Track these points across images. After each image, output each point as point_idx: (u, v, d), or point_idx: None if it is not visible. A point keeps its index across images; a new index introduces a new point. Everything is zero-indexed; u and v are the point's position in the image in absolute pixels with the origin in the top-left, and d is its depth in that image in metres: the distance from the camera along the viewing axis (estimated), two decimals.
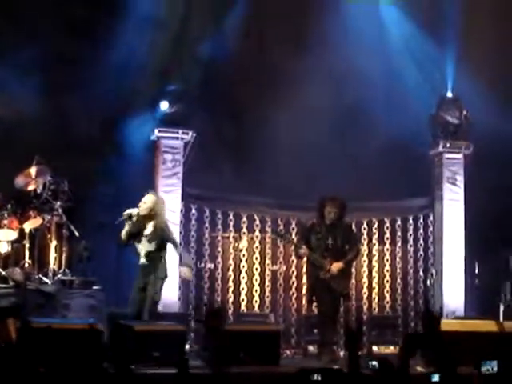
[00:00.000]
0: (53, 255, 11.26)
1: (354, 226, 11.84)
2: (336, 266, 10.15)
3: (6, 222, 11.04)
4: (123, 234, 8.68)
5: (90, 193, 12.11)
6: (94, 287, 11.03)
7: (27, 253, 11.18)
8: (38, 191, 11.45)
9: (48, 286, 10.85)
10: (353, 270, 11.21)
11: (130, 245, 9.19)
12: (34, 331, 8.39)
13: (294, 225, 12.38)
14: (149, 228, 8.88)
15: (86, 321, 9.43)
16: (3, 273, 10.81)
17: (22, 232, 11.18)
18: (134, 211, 9.08)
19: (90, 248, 11.26)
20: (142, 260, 8.66)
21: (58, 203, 11.30)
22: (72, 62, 12.55)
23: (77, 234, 11.31)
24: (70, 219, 11.40)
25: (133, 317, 9.27)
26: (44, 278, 10.98)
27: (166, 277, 9.41)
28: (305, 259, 10.71)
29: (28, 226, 11.18)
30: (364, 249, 12.43)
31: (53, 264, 11.23)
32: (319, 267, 10.18)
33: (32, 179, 11.39)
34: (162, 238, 8.92)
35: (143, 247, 8.73)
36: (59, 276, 11.11)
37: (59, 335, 8.48)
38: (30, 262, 11.15)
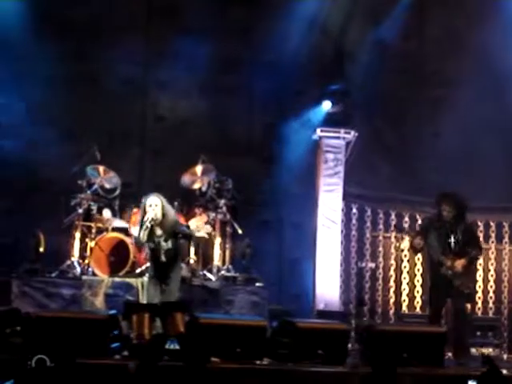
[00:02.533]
0: (217, 252, 11.48)
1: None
2: (460, 263, 9.89)
3: None
4: (145, 235, 8.54)
5: (252, 191, 12.31)
6: (257, 284, 11.19)
7: (192, 249, 11.45)
8: (204, 189, 11.70)
9: (212, 282, 11.05)
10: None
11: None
12: (201, 326, 8.60)
13: None
14: (161, 229, 8.72)
15: (251, 317, 9.62)
16: None
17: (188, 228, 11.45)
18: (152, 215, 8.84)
19: (252, 245, 11.44)
20: (162, 259, 8.59)
21: (223, 201, 11.49)
22: (234, 63, 12.82)
23: (240, 231, 11.47)
24: (234, 217, 11.59)
25: None
26: (208, 275, 11.19)
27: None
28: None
29: (194, 224, 11.45)
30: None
31: (217, 261, 11.44)
32: (440, 264, 9.92)
33: (198, 178, 11.68)
34: (175, 235, 8.78)
35: (160, 247, 8.63)
36: (223, 272, 11.30)
37: (225, 330, 8.67)
38: (195, 258, 11.41)
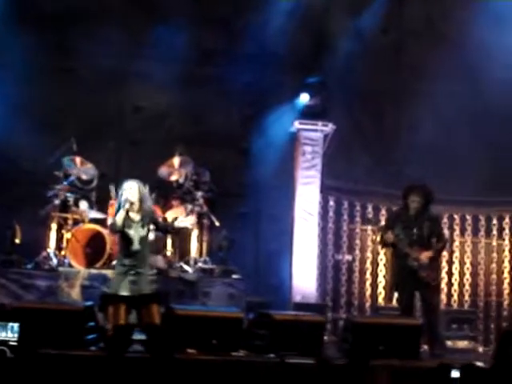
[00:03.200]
0: (194, 244, 11.46)
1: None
2: (426, 255, 9.86)
3: None
4: (120, 220, 8.52)
5: (229, 183, 12.30)
6: (234, 276, 11.18)
7: (169, 241, 11.44)
8: (181, 181, 11.68)
9: (189, 274, 11.04)
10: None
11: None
12: (177, 317, 8.58)
13: None
14: (137, 214, 8.71)
15: (228, 309, 9.61)
16: None
17: (164, 221, 11.43)
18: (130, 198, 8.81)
19: (229, 237, 11.43)
20: (136, 246, 8.56)
21: (200, 193, 11.47)
22: (210, 54, 12.80)
23: (217, 223, 11.46)
24: (211, 209, 11.57)
25: None
26: (185, 266, 11.18)
27: None
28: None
29: (171, 215, 11.43)
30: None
31: (194, 253, 11.42)
32: (405, 255, 9.88)
33: (175, 169, 11.66)
34: (151, 223, 8.77)
35: (136, 233, 8.60)
36: (200, 264, 11.28)
37: (201, 322, 8.66)
38: (171, 250, 11.41)
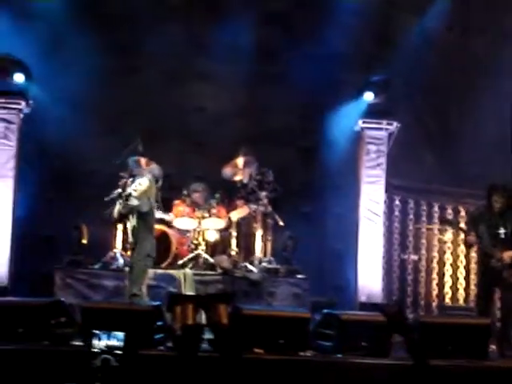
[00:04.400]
0: (258, 244, 11.46)
1: None
2: (509, 255, 9.75)
3: (214, 210, 11.39)
4: (115, 212, 8.81)
5: (293, 183, 12.28)
6: (299, 276, 11.16)
7: (234, 241, 11.45)
8: (245, 181, 11.69)
9: (254, 273, 11.03)
10: None
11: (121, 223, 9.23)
12: (244, 317, 8.58)
13: None
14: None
15: (294, 309, 9.59)
16: (211, 260, 11.13)
17: (229, 221, 11.48)
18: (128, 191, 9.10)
19: (294, 237, 11.41)
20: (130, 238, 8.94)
21: (264, 193, 11.45)
22: (274, 53, 12.78)
23: (281, 223, 11.43)
24: (275, 209, 11.55)
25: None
26: (250, 266, 11.17)
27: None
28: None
29: (235, 215, 11.46)
30: None
31: (258, 253, 11.42)
32: (489, 256, 9.80)
33: (239, 169, 11.67)
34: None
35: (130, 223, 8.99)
36: (264, 264, 11.28)
37: (268, 322, 8.64)
38: (236, 250, 11.41)
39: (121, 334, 7.26)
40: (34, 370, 7.68)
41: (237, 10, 12.45)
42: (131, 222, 8.85)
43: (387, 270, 11.91)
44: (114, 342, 7.20)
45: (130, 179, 9.43)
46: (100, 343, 7.21)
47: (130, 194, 8.99)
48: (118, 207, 8.76)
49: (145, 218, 9.23)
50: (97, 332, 7.29)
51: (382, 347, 8.78)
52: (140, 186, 9.00)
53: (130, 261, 9.37)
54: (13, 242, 11.08)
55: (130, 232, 8.84)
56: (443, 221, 11.58)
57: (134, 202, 8.92)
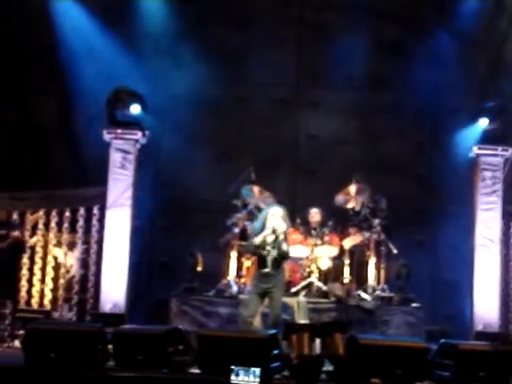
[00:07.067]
0: (372, 272, 11.39)
1: None
2: None
3: (327, 238, 11.38)
4: (260, 241, 9.07)
5: (406, 210, 12.18)
6: (413, 304, 11.03)
7: (347, 269, 11.40)
8: (357, 209, 11.64)
9: (367, 302, 10.95)
10: None
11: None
12: (361, 347, 8.51)
13: None
14: (272, 237, 9.13)
15: (411, 338, 9.48)
16: (324, 288, 11.11)
17: (341, 248, 11.45)
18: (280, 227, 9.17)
19: (408, 265, 11.30)
20: (268, 269, 9.08)
21: (377, 221, 11.41)
22: (386, 80, 12.77)
23: (395, 251, 11.34)
24: (388, 236, 11.47)
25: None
26: (363, 294, 11.10)
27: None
28: None
29: (348, 243, 11.42)
30: None
31: (372, 281, 11.35)
32: None
33: (351, 197, 11.63)
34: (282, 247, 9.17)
35: (270, 255, 9.07)
36: (378, 293, 11.20)
37: (385, 352, 8.55)
38: (349, 278, 11.36)
39: (257, 370, 7.35)
40: None
41: (348, 38, 12.47)
42: (271, 254, 9.07)
43: (504, 298, 11.63)
44: (250, 378, 7.27)
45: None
46: (238, 379, 7.31)
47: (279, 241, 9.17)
48: (267, 237, 9.06)
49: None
50: (234, 368, 7.43)
51: (501, 378, 8.58)
52: (281, 217, 9.18)
53: (269, 290, 9.33)
54: (129, 270, 11.29)
55: (270, 263, 9.06)
56: None
57: (284, 246, 9.19)
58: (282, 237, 9.16)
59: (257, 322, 10.20)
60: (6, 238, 9.66)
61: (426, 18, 12.69)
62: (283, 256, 9.27)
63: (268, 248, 9.14)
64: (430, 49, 12.29)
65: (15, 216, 10.57)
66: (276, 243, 9.13)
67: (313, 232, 11.54)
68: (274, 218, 9.14)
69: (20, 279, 11.31)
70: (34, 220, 10.02)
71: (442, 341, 9.02)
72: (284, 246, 9.12)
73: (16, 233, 9.66)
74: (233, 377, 7.38)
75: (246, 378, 7.33)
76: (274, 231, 9.09)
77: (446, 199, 12.22)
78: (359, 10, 12.65)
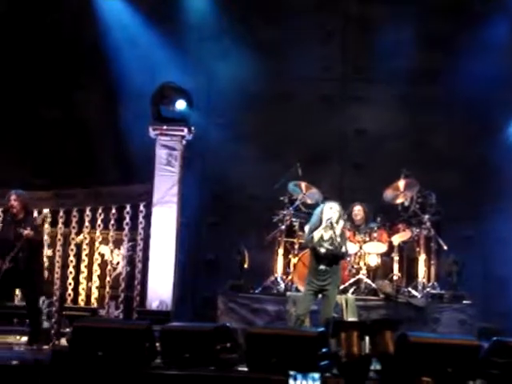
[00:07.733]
0: (421, 268, 11.17)
1: None
2: None
3: (375, 234, 11.19)
4: (318, 237, 9.13)
5: (456, 206, 11.96)
6: (464, 302, 10.82)
7: (396, 266, 11.21)
8: (406, 204, 11.42)
9: (417, 299, 10.77)
10: None
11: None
12: (411, 345, 8.34)
13: None
14: (330, 233, 9.19)
15: (463, 336, 9.28)
16: (373, 285, 10.95)
17: (390, 245, 11.27)
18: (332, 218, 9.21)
19: (459, 262, 11.08)
20: (324, 266, 9.15)
21: (427, 216, 11.19)
22: (434, 73, 12.60)
23: (445, 247, 11.12)
24: (438, 232, 11.25)
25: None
26: (413, 291, 10.92)
27: None
28: None
29: (397, 239, 11.23)
30: None
31: (422, 277, 11.15)
32: None
33: (400, 192, 11.42)
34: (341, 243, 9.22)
35: (327, 251, 9.15)
36: (428, 290, 11.00)
37: (436, 350, 8.37)
38: (398, 274, 11.17)
39: (316, 376, 7.25)
40: None
41: (394, 31, 12.29)
42: (328, 250, 9.10)
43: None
44: (309, 383, 7.18)
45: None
46: (296, 383, 7.23)
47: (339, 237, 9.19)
48: (323, 230, 9.05)
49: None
50: (292, 373, 7.34)
51: None
52: (337, 212, 9.25)
53: (324, 288, 9.26)
54: (176, 267, 11.23)
55: (326, 260, 9.11)
56: None
57: (343, 244, 9.29)
58: (339, 232, 9.16)
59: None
60: (21, 237, 9.61)
61: (475, 10, 12.43)
62: (341, 254, 9.23)
63: (325, 245, 9.06)
64: (479, 40, 12.04)
65: (35, 214, 10.48)
66: (334, 239, 9.09)
67: (361, 228, 11.38)
68: (332, 210, 9.21)
69: (67, 277, 11.33)
70: (42, 219, 9.94)
71: (494, 338, 8.83)
72: (343, 244, 9.17)
73: (26, 231, 9.58)
74: (291, 381, 7.25)
75: (304, 383, 7.22)
76: (331, 224, 9.07)
77: (496, 194, 12.00)
78: (406, 2, 12.47)
